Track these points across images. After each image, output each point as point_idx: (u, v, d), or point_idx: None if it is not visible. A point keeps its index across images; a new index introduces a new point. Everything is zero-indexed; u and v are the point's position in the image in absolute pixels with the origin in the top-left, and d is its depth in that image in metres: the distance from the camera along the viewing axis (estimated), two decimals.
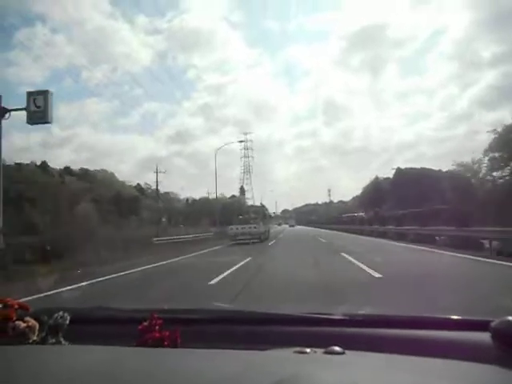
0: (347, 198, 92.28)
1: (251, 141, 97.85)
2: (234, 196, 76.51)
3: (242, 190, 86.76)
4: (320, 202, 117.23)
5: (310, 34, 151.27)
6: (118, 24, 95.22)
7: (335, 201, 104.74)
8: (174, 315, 1.25)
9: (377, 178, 61.69)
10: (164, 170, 47.16)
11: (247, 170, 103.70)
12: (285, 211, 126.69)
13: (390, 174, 56.86)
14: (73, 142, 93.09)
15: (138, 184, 54.45)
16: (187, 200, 67.95)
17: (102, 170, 50.26)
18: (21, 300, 1.23)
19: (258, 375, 0.78)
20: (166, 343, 1.03)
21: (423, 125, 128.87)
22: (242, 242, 24.22)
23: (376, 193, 54.93)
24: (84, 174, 43.72)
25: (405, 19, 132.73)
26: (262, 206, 56.46)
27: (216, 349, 0.97)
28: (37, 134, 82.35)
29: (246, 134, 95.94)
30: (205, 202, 64.65)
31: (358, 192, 69.89)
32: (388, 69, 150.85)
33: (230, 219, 31.95)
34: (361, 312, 1.33)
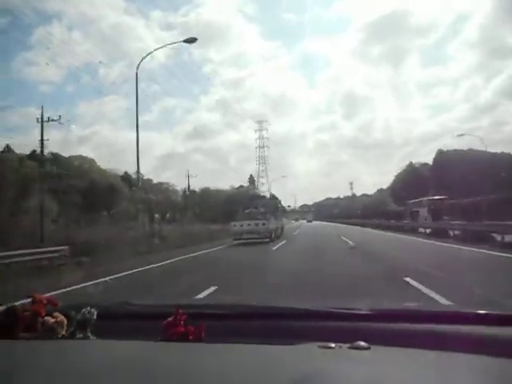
0: (370, 191, 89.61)
1: (266, 129, 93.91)
2: (241, 186, 67.80)
3: (252, 180, 79.24)
4: (342, 196, 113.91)
5: (328, 25, 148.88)
6: (133, 20, 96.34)
7: (358, 194, 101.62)
8: (198, 310, 1.26)
9: (411, 163, 57.03)
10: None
11: (262, 162, 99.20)
12: (304, 206, 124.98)
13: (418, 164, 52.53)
14: (92, 140, 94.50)
15: (126, 173, 46.45)
16: (184, 191, 58.16)
17: (78, 156, 43.11)
18: None
19: (284, 369, 0.78)
20: (190, 338, 1.04)
21: (446, 116, 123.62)
22: (247, 241, 20.06)
23: (413, 180, 48.45)
24: (53, 160, 35.34)
25: (426, 6, 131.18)
26: (275, 198, 46.95)
27: (240, 343, 0.96)
28: (57, 132, 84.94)
29: (260, 122, 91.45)
30: (205, 193, 58.08)
31: (383, 185, 67.50)
32: (409, 59, 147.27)
33: (235, 214, 25.71)
34: (386, 307, 1.29)
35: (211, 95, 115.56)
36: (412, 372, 0.79)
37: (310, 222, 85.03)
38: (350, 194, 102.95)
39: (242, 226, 21.28)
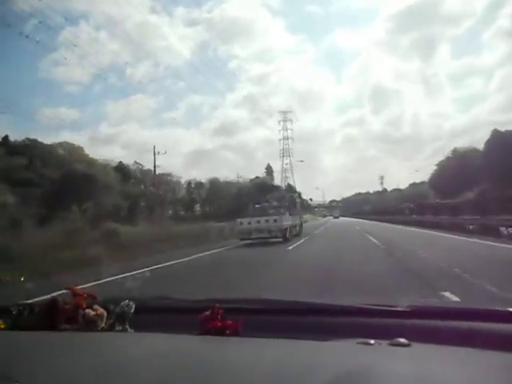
0: (402, 185, 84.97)
1: (290, 120, 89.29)
2: (257, 178, 58.36)
3: (269, 170, 67.43)
4: (372, 191, 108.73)
5: (354, 16, 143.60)
6: (158, 18, 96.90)
7: (388, 189, 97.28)
8: (234, 305, 1.25)
9: (456, 149, 50.08)
10: (164, 151, 36.48)
11: (286, 154, 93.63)
12: (333, 201, 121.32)
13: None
14: (120, 139, 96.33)
15: (121, 162, 41.21)
16: (189, 183, 51.12)
17: (63, 142, 37.18)
18: None
19: (323, 365, 0.77)
20: (227, 332, 1.04)
21: (479, 109, 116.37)
22: (257, 241, 17.37)
23: (458, 169, 41.61)
24: (32, 148, 31.17)
25: None
26: (292, 191, 40.11)
27: (277, 338, 0.95)
28: (86, 131, 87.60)
29: (284, 113, 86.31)
30: (214, 185, 50.87)
31: (414, 179, 63.73)
32: (439, 50, 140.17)
33: (245, 209, 22.81)
34: (425, 303, 1.25)
35: (238, 91, 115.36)
36: (454, 370, 0.77)
37: (337, 218, 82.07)
38: (380, 189, 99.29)
39: (249, 223, 18.00)
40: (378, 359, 0.81)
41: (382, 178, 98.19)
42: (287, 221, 18.76)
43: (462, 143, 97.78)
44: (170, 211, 45.98)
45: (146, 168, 43.15)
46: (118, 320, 1.14)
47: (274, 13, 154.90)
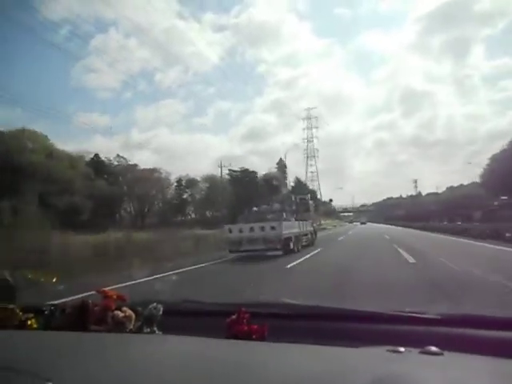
0: (437, 189, 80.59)
1: (316, 118, 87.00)
2: (267, 174, 47.39)
3: (282, 165, 52.37)
4: (404, 195, 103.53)
5: (383, 17, 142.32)
6: (186, 24, 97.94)
7: (423, 193, 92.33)
8: (261, 309, 1.26)
9: None
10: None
11: (311, 155, 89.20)
12: (363, 205, 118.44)
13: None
14: (152, 144, 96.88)
15: (96, 156, 35.23)
16: (178, 181, 42.88)
17: (26, 130, 30.25)
18: None
19: (352, 373, 0.77)
20: (254, 336, 1.04)
21: None
22: (250, 254, 13.76)
23: None
24: None
25: None
26: (308, 193, 31.00)
27: (304, 344, 0.95)
28: (118, 137, 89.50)
29: (308, 109, 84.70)
30: (210, 182, 42.63)
31: (451, 183, 59.67)
32: (473, 50, 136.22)
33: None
34: (457, 311, 1.22)
35: (265, 96, 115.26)
36: (488, 381, 0.75)
37: (364, 223, 79.93)
38: (413, 193, 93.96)
39: (241, 231, 14.46)
40: (409, 368, 0.80)
41: (415, 181, 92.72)
42: (291, 228, 15.13)
43: (500, 147, 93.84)
44: (147, 214, 38.69)
45: (131, 163, 37.33)
46: (146, 322, 1.16)
47: (302, 16, 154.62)
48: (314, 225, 20.98)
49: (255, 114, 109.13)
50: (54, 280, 1.70)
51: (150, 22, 74.44)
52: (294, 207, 18.03)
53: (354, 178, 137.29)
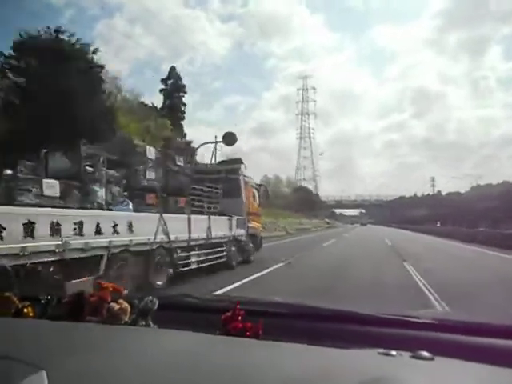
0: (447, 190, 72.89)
1: (314, 89, 76.40)
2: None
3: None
4: (419, 194, 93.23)
5: (398, 12, 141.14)
6: (192, 12, 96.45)
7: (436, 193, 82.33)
8: (256, 307, 1.27)
9: None
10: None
11: (305, 135, 76.94)
12: (369, 207, 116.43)
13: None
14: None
15: None
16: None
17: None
18: None
19: (343, 374, 0.78)
20: (248, 334, 1.06)
21: None
22: None
23: None
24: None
25: None
26: (238, 163, 13.52)
27: (297, 343, 0.96)
28: None
29: (304, 78, 76.49)
30: None
31: (459, 188, 54.67)
32: (490, 51, 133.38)
33: None
34: (451, 317, 1.22)
35: (274, 91, 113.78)
36: None
37: (364, 225, 77.39)
38: (430, 193, 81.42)
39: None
40: (400, 371, 0.81)
41: (433, 179, 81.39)
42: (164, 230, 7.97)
43: None
44: None
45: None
46: (141, 315, 1.18)
47: (313, 8, 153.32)
48: (254, 225, 12.71)
49: (263, 109, 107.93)
50: None
51: (156, 8, 73.60)
52: (182, 182, 9.50)
53: (362, 178, 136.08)
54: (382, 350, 0.91)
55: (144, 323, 1.17)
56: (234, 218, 11.29)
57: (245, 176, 12.53)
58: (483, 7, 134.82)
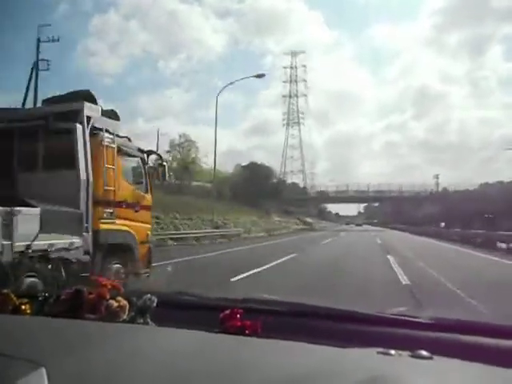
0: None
1: (304, 66, 65.48)
2: None
3: None
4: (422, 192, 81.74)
5: (397, 10, 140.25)
6: (189, 7, 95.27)
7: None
8: (255, 305, 1.28)
9: None
10: None
11: (293, 120, 64.09)
12: (369, 206, 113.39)
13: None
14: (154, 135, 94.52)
15: None
16: None
17: None
18: None
19: (341, 373, 0.79)
20: (247, 332, 1.07)
21: None
22: None
23: None
24: None
25: None
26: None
27: (296, 342, 0.97)
28: (122, 126, 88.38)
29: (294, 54, 65.19)
30: None
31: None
32: (491, 50, 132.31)
33: None
34: (450, 317, 1.23)
35: (272, 89, 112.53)
36: None
37: (360, 225, 73.33)
38: (434, 190, 66.92)
39: None
40: (399, 370, 0.82)
41: (437, 176, 65.33)
42: None
43: None
44: None
45: None
46: (140, 313, 1.19)
47: (311, 5, 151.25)
48: (125, 224, 6.80)
49: (260, 108, 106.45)
50: None
51: (151, 3, 72.91)
52: None
53: (361, 179, 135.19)
54: (380, 350, 0.92)
55: (142, 321, 1.17)
56: (41, 211, 5.28)
57: (103, 131, 6.45)
58: (483, 6, 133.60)
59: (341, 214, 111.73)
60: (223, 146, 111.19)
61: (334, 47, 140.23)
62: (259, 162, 52.79)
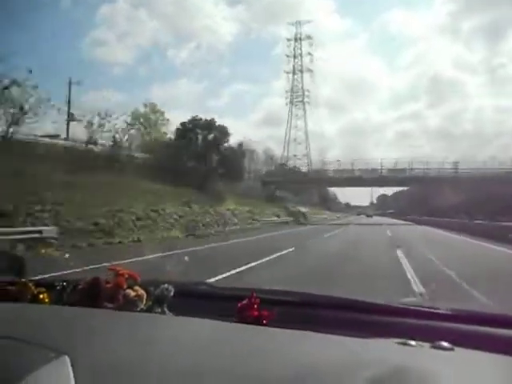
0: None
1: (309, 38, 57.29)
2: None
3: None
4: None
5: None
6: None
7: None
8: (272, 296, 1.28)
9: None
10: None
11: (297, 99, 55.15)
12: (383, 196, 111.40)
13: None
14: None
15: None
16: None
17: None
18: None
19: (361, 363, 0.79)
20: (264, 322, 1.06)
21: None
22: None
23: None
24: None
25: None
26: None
27: (314, 332, 0.96)
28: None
29: (297, 24, 56.52)
30: None
31: None
32: (508, 36, 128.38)
33: None
34: (470, 308, 1.22)
35: (283, 80, 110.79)
36: (497, 379, 0.77)
37: (370, 216, 69.26)
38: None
39: None
40: (419, 361, 0.82)
41: (456, 164, 46.71)
42: None
43: None
44: None
45: None
46: (157, 302, 1.19)
47: None
48: None
49: (272, 97, 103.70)
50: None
51: None
52: None
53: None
54: (400, 340, 0.92)
55: (160, 310, 1.18)
56: None
57: None
58: None
59: (352, 204, 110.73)
60: (235, 137, 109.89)
61: (346, 35, 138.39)
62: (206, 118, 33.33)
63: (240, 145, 36.65)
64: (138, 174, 25.62)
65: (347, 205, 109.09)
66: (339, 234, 25.47)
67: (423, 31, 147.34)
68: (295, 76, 60.01)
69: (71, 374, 0.71)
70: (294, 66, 60.04)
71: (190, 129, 32.23)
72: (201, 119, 32.78)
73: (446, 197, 47.21)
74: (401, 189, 79.53)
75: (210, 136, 32.73)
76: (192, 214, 24.41)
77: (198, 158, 31.91)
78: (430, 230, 28.92)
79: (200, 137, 32.40)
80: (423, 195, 53.20)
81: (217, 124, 32.85)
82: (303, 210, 49.69)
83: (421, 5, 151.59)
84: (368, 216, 71.34)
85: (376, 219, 58.69)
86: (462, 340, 0.93)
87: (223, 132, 33.24)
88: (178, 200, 24.64)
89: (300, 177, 48.62)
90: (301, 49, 60.55)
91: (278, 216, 38.91)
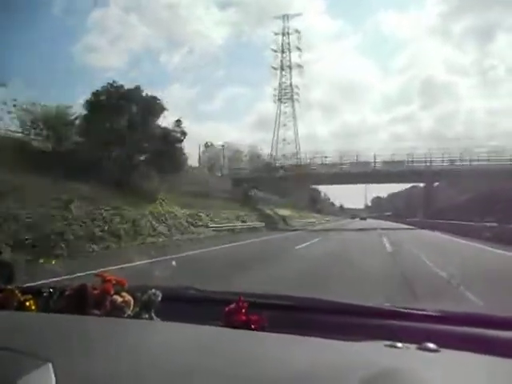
0: None
1: (298, 32, 55.23)
2: None
3: None
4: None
5: None
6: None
7: None
8: (260, 300, 1.28)
9: None
10: None
11: (285, 96, 54.25)
12: (377, 199, 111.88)
13: None
14: None
15: None
16: None
17: None
18: None
19: (349, 366, 0.79)
20: (252, 326, 1.06)
21: None
22: None
23: None
24: None
25: None
26: None
27: (302, 336, 0.96)
28: None
29: (284, 17, 54.29)
30: None
31: None
32: (499, 38, 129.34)
33: None
34: (456, 309, 1.23)
35: (275, 82, 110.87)
36: (484, 379, 0.78)
37: (364, 219, 68.04)
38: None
39: None
40: (406, 363, 0.82)
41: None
42: None
43: None
44: None
45: None
46: (145, 308, 1.19)
47: None
48: None
49: (264, 101, 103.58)
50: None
51: None
52: None
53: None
54: (387, 342, 0.92)
55: (147, 316, 1.18)
56: None
57: None
58: None
59: (346, 206, 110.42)
60: (228, 140, 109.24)
61: (339, 36, 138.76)
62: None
63: (178, 121, 23.69)
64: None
65: (341, 207, 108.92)
66: (313, 247, 16.06)
67: (415, 32, 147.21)
68: (283, 72, 57.06)
69: (53, 382, 0.71)
70: (281, 61, 57.22)
71: (104, 102, 21.20)
72: (122, 86, 21.64)
73: (451, 195, 41.25)
74: (396, 190, 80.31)
75: (134, 110, 21.66)
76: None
77: (115, 141, 20.53)
78: (446, 238, 20.61)
79: (119, 111, 21.14)
80: (424, 194, 44.22)
81: (144, 94, 22.07)
82: (284, 213, 44.10)
83: (412, 6, 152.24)
84: (362, 219, 69.89)
85: (370, 222, 54.48)
86: (448, 341, 0.94)
87: (153, 105, 22.22)
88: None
89: (275, 173, 39.76)
90: (289, 43, 57.56)
91: (244, 221, 31.25)
